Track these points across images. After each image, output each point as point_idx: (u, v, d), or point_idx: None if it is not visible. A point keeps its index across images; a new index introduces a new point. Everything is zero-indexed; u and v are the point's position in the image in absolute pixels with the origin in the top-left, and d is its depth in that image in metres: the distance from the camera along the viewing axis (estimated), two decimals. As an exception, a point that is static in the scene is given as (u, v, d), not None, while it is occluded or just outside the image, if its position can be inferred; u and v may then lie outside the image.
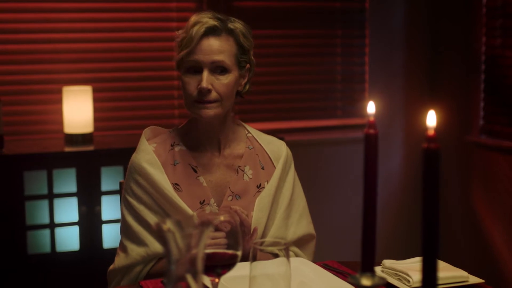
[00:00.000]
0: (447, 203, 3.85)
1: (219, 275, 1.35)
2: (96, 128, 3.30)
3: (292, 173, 2.00)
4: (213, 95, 1.83)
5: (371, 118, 1.08)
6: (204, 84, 1.81)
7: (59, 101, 3.26)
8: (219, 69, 1.84)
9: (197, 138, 1.93)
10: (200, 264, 1.04)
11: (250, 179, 1.94)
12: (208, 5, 3.54)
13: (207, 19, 1.84)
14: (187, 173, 1.91)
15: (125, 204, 1.91)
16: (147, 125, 2.00)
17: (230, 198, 1.91)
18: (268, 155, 1.99)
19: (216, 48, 1.83)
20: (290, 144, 2.14)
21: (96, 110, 3.31)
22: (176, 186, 1.89)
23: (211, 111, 1.85)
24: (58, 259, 3.03)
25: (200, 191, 1.89)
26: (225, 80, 1.85)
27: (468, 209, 3.76)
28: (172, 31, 3.52)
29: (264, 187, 1.94)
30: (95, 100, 3.30)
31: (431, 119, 0.99)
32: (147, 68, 3.51)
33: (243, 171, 1.94)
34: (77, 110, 3.18)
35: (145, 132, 1.97)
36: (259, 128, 2.11)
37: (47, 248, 3.02)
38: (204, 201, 1.89)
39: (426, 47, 3.96)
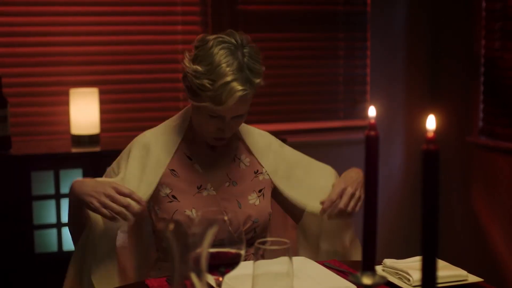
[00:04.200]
0: (448, 204, 3.87)
1: (222, 274, 1.35)
2: (102, 129, 3.33)
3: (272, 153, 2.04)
4: (230, 133, 1.89)
5: (372, 120, 1.10)
6: (227, 135, 1.87)
7: (66, 103, 3.29)
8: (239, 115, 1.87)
9: (193, 133, 1.96)
10: (204, 263, 1.05)
11: (247, 166, 1.98)
12: (212, 9, 3.57)
13: (239, 84, 1.77)
14: (183, 161, 1.94)
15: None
16: (154, 126, 2.03)
17: (227, 184, 1.95)
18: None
19: (243, 107, 1.84)
20: (292, 145, 2.17)
21: (102, 111, 3.33)
22: (173, 172, 1.93)
23: (224, 142, 1.92)
24: (65, 258, 3.05)
25: (197, 177, 1.92)
26: (241, 120, 1.89)
27: (468, 210, 3.78)
28: (177, 34, 3.55)
29: (262, 173, 1.99)
30: (102, 102, 3.32)
31: (431, 122, 1.00)
32: (153, 70, 3.53)
33: (239, 159, 1.99)
34: (84, 111, 3.21)
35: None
36: (261, 129, 2.15)
37: (54, 247, 3.05)
38: (201, 186, 1.93)
39: (427, 49, 3.98)
